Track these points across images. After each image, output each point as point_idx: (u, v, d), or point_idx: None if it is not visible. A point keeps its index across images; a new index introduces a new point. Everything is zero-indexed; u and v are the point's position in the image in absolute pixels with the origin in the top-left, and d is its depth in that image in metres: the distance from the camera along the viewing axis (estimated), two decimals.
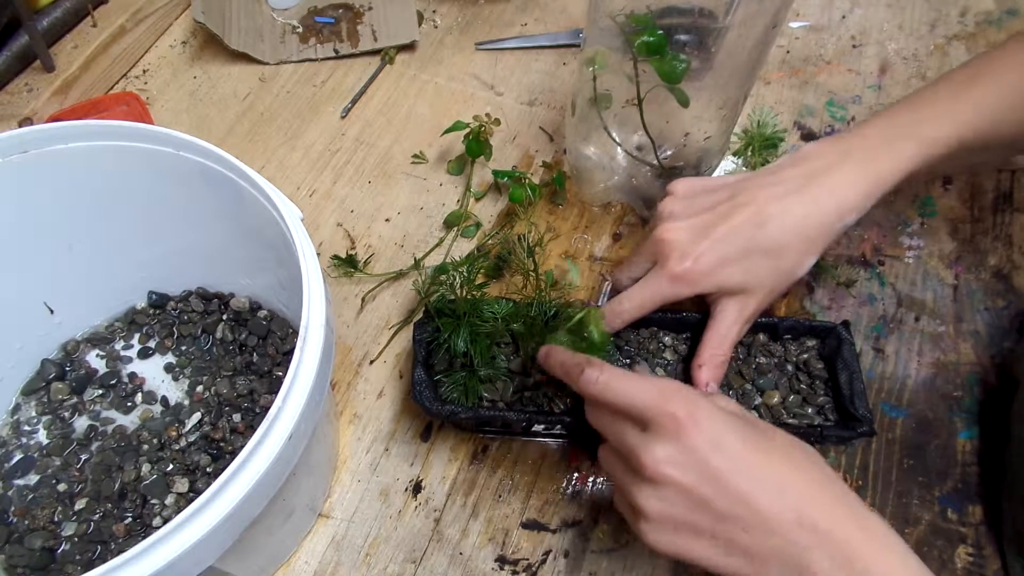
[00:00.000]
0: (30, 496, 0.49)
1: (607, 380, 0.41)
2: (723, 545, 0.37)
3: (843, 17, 0.83)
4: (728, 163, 0.69)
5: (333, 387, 0.56)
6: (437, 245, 0.64)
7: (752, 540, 0.36)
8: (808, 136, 0.73)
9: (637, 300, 0.51)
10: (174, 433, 0.51)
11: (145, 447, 0.51)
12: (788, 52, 0.80)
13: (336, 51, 0.77)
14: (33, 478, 0.50)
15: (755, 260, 0.48)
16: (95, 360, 0.56)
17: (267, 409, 0.41)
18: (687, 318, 0.55)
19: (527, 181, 0.65)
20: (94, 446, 0.51)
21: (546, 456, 0.54)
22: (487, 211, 0.67)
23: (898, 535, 0.36)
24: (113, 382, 0.54)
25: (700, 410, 0.38)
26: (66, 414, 0.53)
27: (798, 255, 0.48)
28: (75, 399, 0.53)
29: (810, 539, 0.35)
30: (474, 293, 0.53)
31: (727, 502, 0.36)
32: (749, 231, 0.47)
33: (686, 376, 0.53)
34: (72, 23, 0.74)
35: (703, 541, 0.37)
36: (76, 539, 0.47)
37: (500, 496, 0.52)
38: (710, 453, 0.37)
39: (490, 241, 0.64)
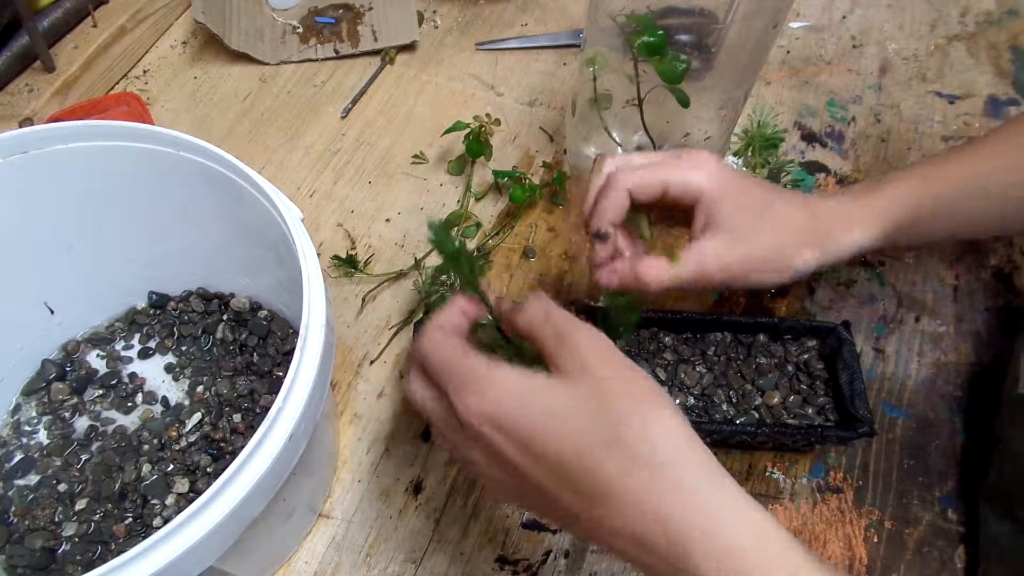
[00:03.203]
0: (30, 496, 0.49)
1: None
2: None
3: (843, 17, 0.83)
4: (729, 163, 0.69)
5: (333, 387, 0.56)
6: None
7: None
8: (808, 136, 0.73)
9: None
10: (174, 433, 0.51)
11: (145, 447, 0.51)
12: (788, 52, 0.80)
13: (336, 51, 0.77)
14: (34, 478, 0.50)
15: None
16: (95, 360, 0.56)
17: (267, 409, 0.41)
18: (687, 318, 0.55)
19: (527, 181, 0.65)
20: (94, 446, 0.51)
21: None
22: (487, 211, 0.67)
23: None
24: (113, 382, 0.54)
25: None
26: (66, 414, 0.53)
27: None
28: (75, 399, 0.53)
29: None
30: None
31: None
32: None
33: (683, 376, 0.53)
34: (73, 23, 0.74)
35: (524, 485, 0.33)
36: (76, 539, 0.47)
37: None
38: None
39: (490, 241, 0.64)
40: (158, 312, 0.58)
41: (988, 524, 0.50)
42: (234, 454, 0.47)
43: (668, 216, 0.51)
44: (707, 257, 0.45)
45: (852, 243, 0.46)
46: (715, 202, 0.45)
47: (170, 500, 0.49)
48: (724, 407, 0.53)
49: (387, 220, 0.66)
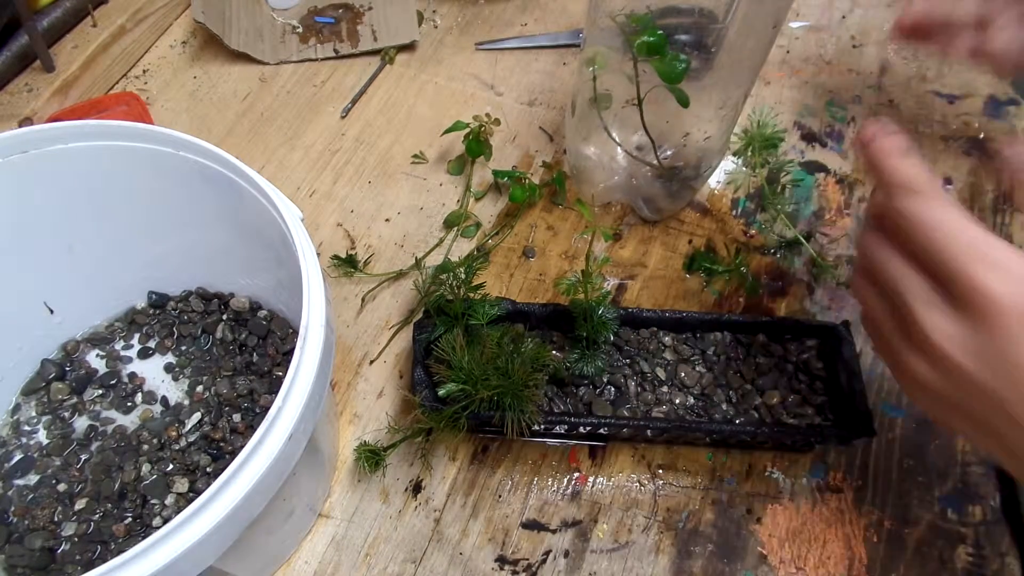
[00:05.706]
0: (30, 496, 0.49)
1: (932, 215, 0.34)
2: (991, 434, 0.32)
3: (843, 17, 0.83)
4: (728, 163, 0.69)
5: (333, 387, 0.56)
6: (437, 245, 0.64)
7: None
8: (808, 136, 0.73)
9: None
10: (174, 433, 0.51)
11: (145, 447, 0.51)
12: (788, 52, 0.80)
13: (336, 51, 0.77)
14: (33, 478, 0.50)
15: None
16: (95, 360, 0.56)
17: (267, 409, 0.41)
18: (687, 318, 0.55)
19: (527, 181, 0.65)
20: (94, 446, 0.51)
21: (546, 456, 0.54)
22: (487, 211, 0.67)
23: None
24: (113, 382, 0.54)
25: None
26: (66, 414, 0.53)
27: None
28: (75, 399, 0.53)
29: None
30: (470, 295, 0.53)
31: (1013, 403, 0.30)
32: None
33: (684, 379, 0.53)
34: (72, 23, 0.74)
35: (970, 423, 0.33)
36: (76, 539, 0.47)
37: (500, 496, 0.52)
38: (1018, 355, 0.30)
39: (490, 241, 0.64)
40: (158, 312, 0.58)
41: None
42: (234, 454, 0.47)
43: None
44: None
45: None
46: None
47: (170, 500, 0.49)
48: (724, 407, 0.53)
49: (387, 220, 0.66)
